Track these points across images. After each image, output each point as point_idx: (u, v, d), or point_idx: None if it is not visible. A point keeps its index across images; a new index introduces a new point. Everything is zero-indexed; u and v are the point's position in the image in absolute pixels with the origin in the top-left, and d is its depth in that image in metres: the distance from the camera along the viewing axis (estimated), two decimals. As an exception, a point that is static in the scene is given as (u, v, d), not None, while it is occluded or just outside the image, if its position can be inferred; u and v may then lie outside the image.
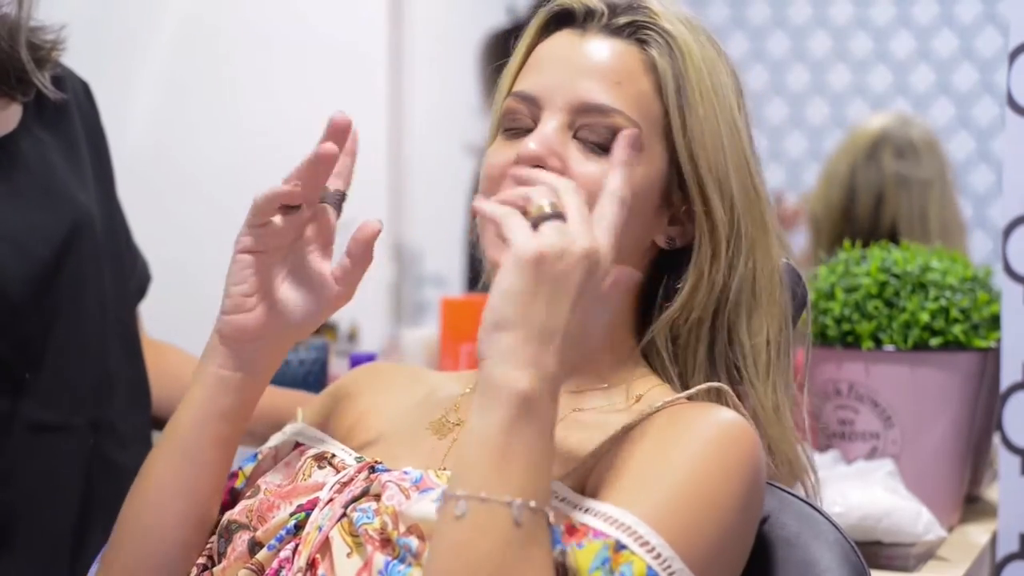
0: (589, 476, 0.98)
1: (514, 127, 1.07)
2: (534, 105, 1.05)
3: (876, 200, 2.71)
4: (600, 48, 1.06)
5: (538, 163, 1.02)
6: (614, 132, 1.03)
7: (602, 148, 1.03)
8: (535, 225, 0.91)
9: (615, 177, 0.96)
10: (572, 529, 0.92)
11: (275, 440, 1.14)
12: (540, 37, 1.10)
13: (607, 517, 0.92)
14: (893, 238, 2.58)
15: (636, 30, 1.07)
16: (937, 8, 4.16)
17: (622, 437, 0.99)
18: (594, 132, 1.03)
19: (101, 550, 1.10)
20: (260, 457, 1.13)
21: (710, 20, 4.23)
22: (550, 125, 1.03)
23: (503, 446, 0.87)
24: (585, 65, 1.05)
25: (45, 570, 1.27)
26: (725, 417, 0.98)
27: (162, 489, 1.06)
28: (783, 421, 1.08)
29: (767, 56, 4.30)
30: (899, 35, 4.20)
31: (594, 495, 0.95)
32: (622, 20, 1.07)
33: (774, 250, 1.09)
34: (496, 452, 0.87)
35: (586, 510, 0.93)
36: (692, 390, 1.04)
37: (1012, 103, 1.53)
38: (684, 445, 0.95)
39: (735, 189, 1.06)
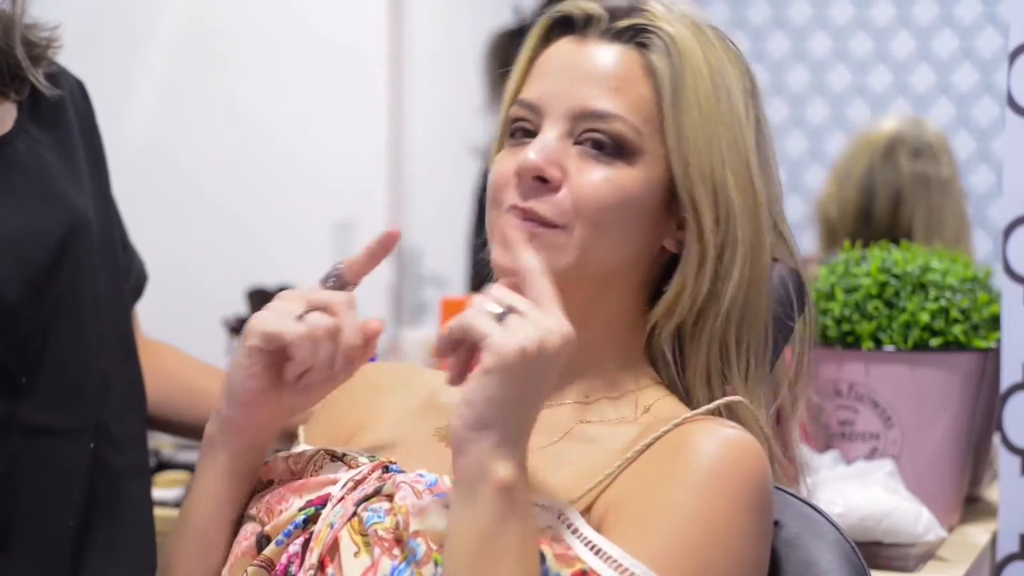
0: (597, 500, 0.97)
1: (519, 136, 1.07)
2: (536, 113, 1.05)
3: (895, 200, 2.70)
4: (600, 54, 1.05)
5: (538, 173, 1.02)
6: (615, 138, 1.03)
7: (603, 154, 1.03)
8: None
9: (528, 256, 0.95)
10: (582, 575, 0.92)
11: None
12: (542, 45, 1.10)
13: (618, 565, 0.92)
14: (910, 239, 2.57)
15: (636, 34, 1.06)
16: (937, 8, 4.15)
17: (633, 459, 0.98)
18: (595, 139, 1.03)
19: (100, 553, 1.10)
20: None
21: (710, 21, 4.23)
22: (550, 134, 1.04)
23: (494, 541, 0.89)
24: (585, 72, 1.05)
25: (44, 574, 1.27)
26: (727, 438, 0.97)
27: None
28: (762, 426, 1.07)
29: (767, 56, 4.30)
30: (899, 35, 4.19)
31: (600, 522, 0.96)
32: (622, 24, 1.06)
33: (765, 259, 1.07)
34: (487, 548, 0.89)
35: (597, 551, 0.93)
36: (709, 406, 1.03)
37: (1012, 103, 1.53)
38: (689, 481, 0.95)
39: (733, 196, 1.04)
